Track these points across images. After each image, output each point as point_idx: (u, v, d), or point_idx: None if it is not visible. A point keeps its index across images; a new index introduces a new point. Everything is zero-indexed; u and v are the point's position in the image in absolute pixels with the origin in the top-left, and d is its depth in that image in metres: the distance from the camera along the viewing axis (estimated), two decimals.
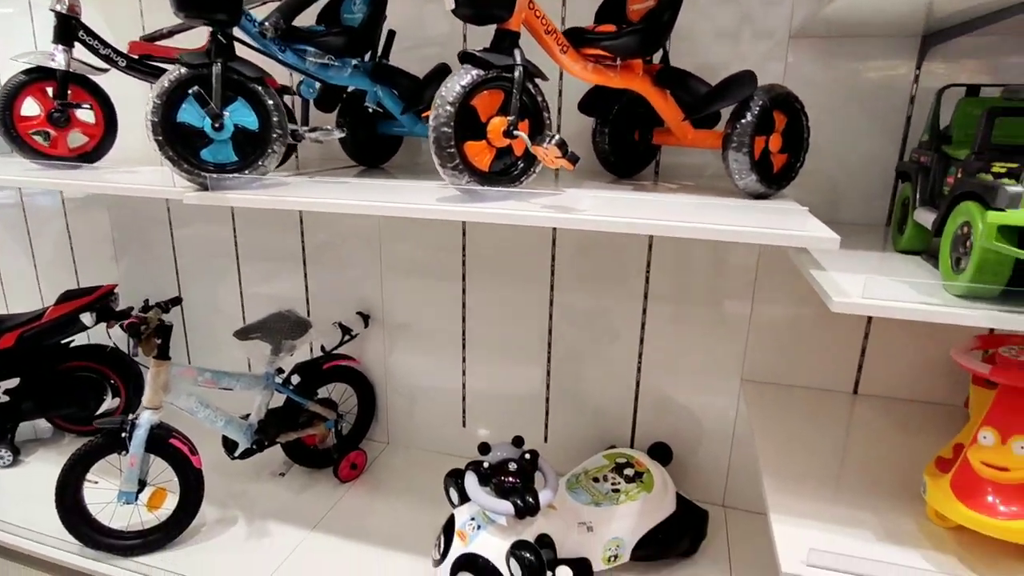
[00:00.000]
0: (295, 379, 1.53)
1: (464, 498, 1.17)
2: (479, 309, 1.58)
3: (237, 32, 1.02)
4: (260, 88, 1.02)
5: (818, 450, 1.11)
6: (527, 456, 1.14)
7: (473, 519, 1.14)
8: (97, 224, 1.92)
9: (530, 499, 1.07)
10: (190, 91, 0.95)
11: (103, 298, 1.64)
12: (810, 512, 0.93)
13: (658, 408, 1.49)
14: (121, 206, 1.88)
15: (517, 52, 0.91)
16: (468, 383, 1.64)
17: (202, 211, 1.77)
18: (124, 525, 1.32)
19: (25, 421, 1.68)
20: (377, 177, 1.29)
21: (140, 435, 1.26)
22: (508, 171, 0.97)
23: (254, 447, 1.44)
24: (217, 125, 0.97)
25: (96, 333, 1.69)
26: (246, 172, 1.03)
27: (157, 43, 1.31)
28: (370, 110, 1.28)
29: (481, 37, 0.94)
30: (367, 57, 1.21)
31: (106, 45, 1.28)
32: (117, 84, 1.32)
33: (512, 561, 1.04)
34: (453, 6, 0.88)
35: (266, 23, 1.03)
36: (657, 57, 1.14)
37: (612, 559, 1.20)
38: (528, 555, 1.03)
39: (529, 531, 1.10)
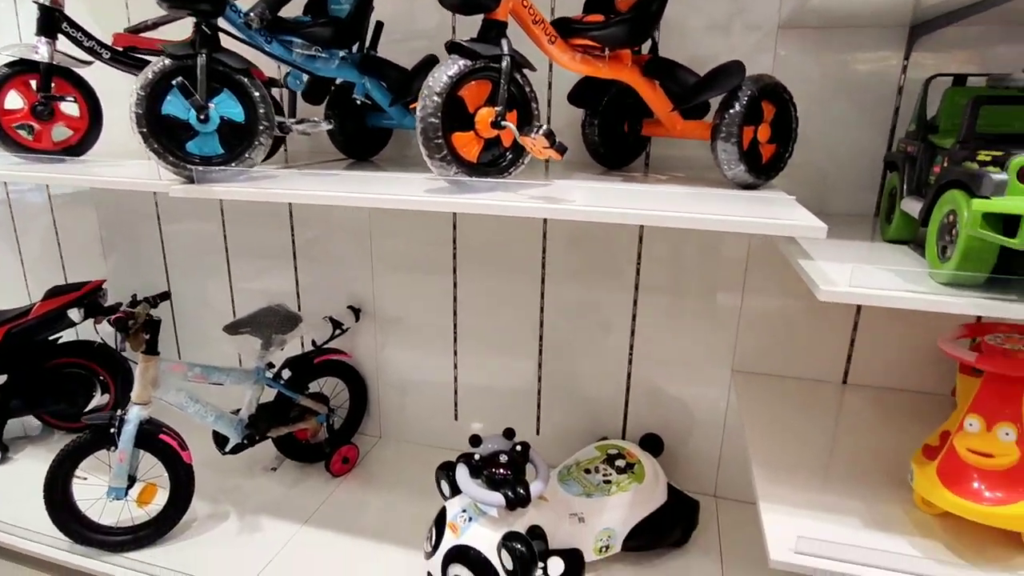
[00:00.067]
0: (286, 374, 1.52)
1: (455, 490, 1.17)
2: (470, 302, 1.57)
3: (222, 23, 1.01)
4: (246, 80, 1.01)
5: (808, 440, 1.12)
6: (518, 448, 1.14)
7: (464, 511, 1.14)
8: (85, 220, 1.90)
9: (521, 490, 1.08)
10: (174, 82, 0.94)
11: (91, 294, 1.63)
12: (799, 501, 0.94)
13: (649, 399, 1.49)
14: (109, 202, 1.86)
15: (504, 42, 0.91)
16: (460, 376, 1.64)
17: (191, 206, 1.76)
18: (114, 521, 1.31)
19: (13, 418, 1.66)
20: (366, 170, 1.28)
21: (129, 431, 1.26)
22: (496, 162, 0.96)
23: (245, 442, 1.44)
24: (202, 117, 0.97)
25: (85, 329, 1.68)
26: (232, 165, 1.02)
27: (142, 35, 1.29)
28: (358, 102, 1.27)
29: (470, 30, 0.94)
30: (355, 48, 1.20)
31: (90, 37, 1.26)
32: (102, 77, 1.31)
33: (503, 552, 1.05)
34: None
35: (251, 14, 1.02)
36: (646, 47, 1.13)
37: (604, 550, 1.21)
38: (519, 546, 1.03)
39: (520, 522, 1.10)
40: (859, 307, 1.29)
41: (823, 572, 0.81)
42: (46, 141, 1.29)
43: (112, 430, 1.26)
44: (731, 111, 0.97)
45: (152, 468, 1.32)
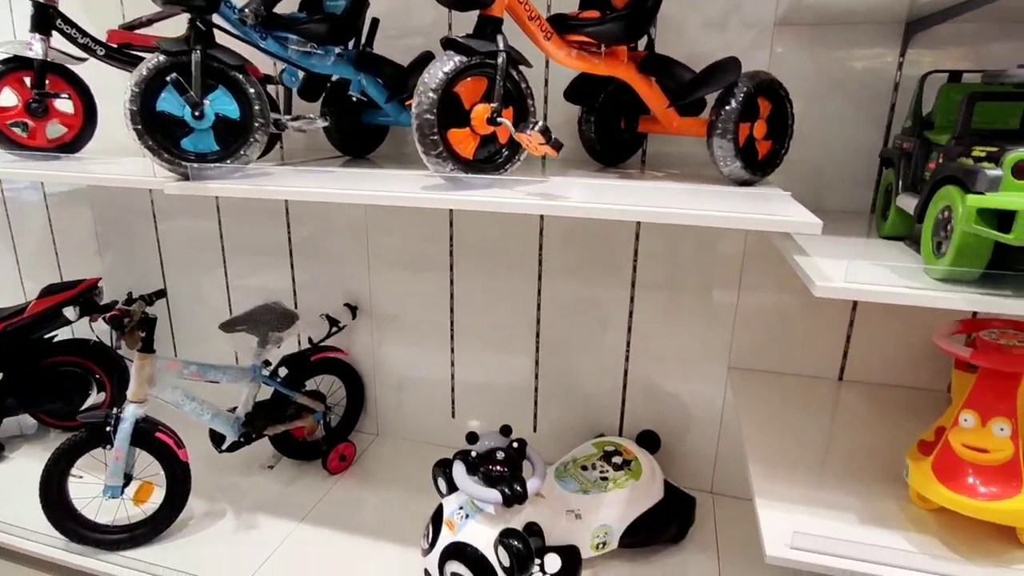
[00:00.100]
0: (282, 371, 1.52)
1: (452, 487, 1.17)
2: (467, 300, 1.57)
3: (217, 19, 1.00)
4: (241, 76, 1.00)
5: (804, 436, 1.12)
6: (515, 445, 1.14)
7: (461, 508, 1.14)
8: (80, 218, 1.89)
9: (518, 487, 1.08)
10: (168, 78, 0.94)
11: (86, 292, 1.62)
12: (795, 497, 0.94)
13: (646, 396, 1.49)
14: (104, 200, 1.86)
15: (500, 38, 0.90)
16: (457, 374, 1.64)
17: (187, 204, 1.76)
18: (111, 520, 1.31)
19: (9, 417, 1.66)
20: (362, 167, 1.28)
21: (125, 429, 1.25)
22: (493, 159, 0.96)
23: (241, 440, 1.43)
24: (197, 113, 0.96)
25: (81, 328, 1.68)
26: (228, 162, 1.02)
27: (136, 32, 1.29)
28: (354, 99, 1.26)
29: (467, 27, 0.93)
30: (350, 45, 1.20)
31: (84, 34, 1.26)
32: (97, 74, 1.30)
33: (500, 549, 1.05)
34: None
35: (246, 10, 1.02)
36: (642, 44, 1.13)
37: (600, 546, 1.21)
38: (516, 543, 1.03)
39: (517, 519, 1.10)
40: (855, 303, 1.30)
41: (818, 567, 0.81)
42: (41, 138, 1.28)
43: (108, 428, 1.25)
44: (727, 107, 0.97)
45: (148, 466, 1.31)
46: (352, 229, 1.61)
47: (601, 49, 1.03)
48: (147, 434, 1.29)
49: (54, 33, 1.24)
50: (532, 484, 1.10)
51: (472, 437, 1.18)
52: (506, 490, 1.07)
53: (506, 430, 1.19)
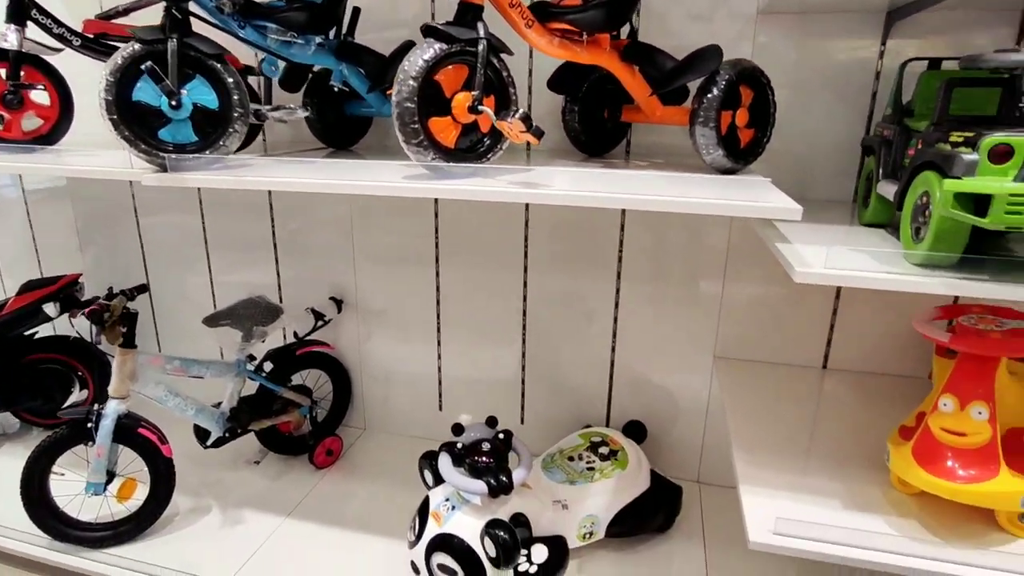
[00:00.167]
0: (268, 366, 1.51)
1: (439, 480, 1.17)
2: (453, 293, 1.57)
3: (193, 7, 0.99)
4: (219, 65, 0.99)
5: (788, 424, 1.13)
6: (500, 436, 1.14)
7: (448, 500, 1.13)
8: (61, 214, 1.86)
9: (503, 478, 1.07)
10: (143, 67, 0.92)
11: (67, 287, 1.60)
12: (779, 484, 0.95)
13: (633, 387, 1.50)
14: (85, 195, 1.83)
15: (480, 26, 0.90)
16: (444, 367, 1.64)
17: (169, 199, 1.74)
18: (94, 517, 1.30)
19: None
20: (345, 158, 1.27)
21: (107, 425, 1.24)
22: (474, 148, 0.96)
23: (226, 435, 1.42)
24: (174, 103, 0.95)
25: (63, 325, 1.65)
26: (207, 153, 1.01)
27: (113, 21, 1.27)
28: (336, 89, 1.25)
29: (450, 16, 0.93)
30: (331, 34, 1.18)
31: (60, 24, 1.23)
32: (74, 65, 1.28)
33: (486, 540, 1.04)
34: None
35: None
36: (625, 32, 1.13)
37: (587, 536, 1.21)
38: (502, 533, 1.03)
39: (503, 510, 1.10)
40: (838, 293, 1.30)
41: (801, 552, 0.82)
42: (16, 131, 1.26)
43: (89, 425, 1.24)
44: (709, 95, 0.97)
45: (132, 462, 1.30)
46: (337, 223, 1.59)
47: (583, 37, 1.02)
48: (130, 430, 1.27)
49: (29, 23, 1.22)
50: (518, 475, 1.10)
51: (458, 429, 1.17)
52: (492, 481, 1.07)
53: (492, 421, 1.18)
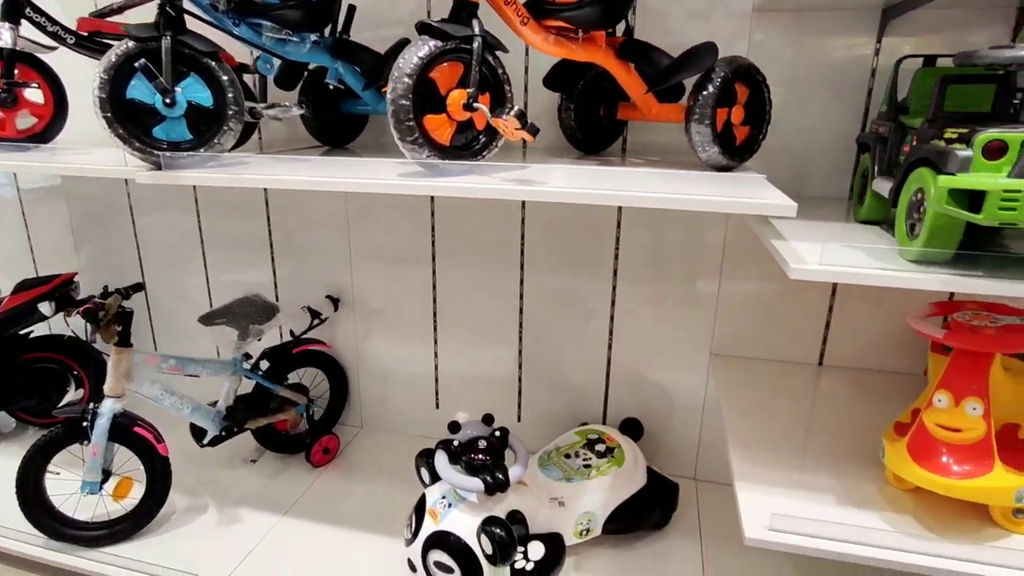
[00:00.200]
0: (264, 364, 1.51)
1: (435, 477, 1.17)
2: (450, 291, 1.57)
3: (188, 5, 0.99)
4: (214, 63, 0.99)
5: (784, 421, 1.13)
6: (497, 433, 1.14)
7: (444, 497, 1.13)
8: (56, 213, 1.86)
9: (499, 475, 1.07)
10: (137, 64, 0.92)
11: (62, 287, 1.60)
12: (775, 480, 0.95)
13: (630, 385, 1.50)
14: (80, 194, 1.82)
15: (476, 23, 0.90)
16: (441, 365, 1.64)
17: (165, 198, 1.73)
18: (90, 516, 1.30)
19: None
20: (341, 156, 1.26)
21: (102, 424, 1.24)
22: (470, 145, 0.96)
23: (223, 434, 1.42)
24: (168, 101, 0.94)
25: (59, 324, 1.65)
26: (201, 150, 1.00)
27: (107, 19, 1.26)
28: (331, 87, 1.25)
29: (446, 14, 0.92)
30: (327, 32, 1.18)
31: (54, 22, 1.23)
32: (69, 64, 1.27)
33: (483, 537, 1.04)
34: None
35: None
36: (620, 29, 1.13)
37: (584, 533, 1.21)
38: (498, 531, 1.03)
39: (500, 507, 1.10)
40: (834, 290, 1.31)
41: (797, 548, 0.82)
42: (10, 129, 1.25)
43: (85, 424, 1.24)
44: (704, 93, 0.97)
45: (128, 461, 1.30)
46: (333, 221, 1.59)
47: (579, 35, 1.02)
48: (125, 429, 1.27)
49: (23, 21, 1.21)
50: (514, 472, 1.10)
51: (454, 426, 1.17)
52: (488, 478, 1.07)
53: (488, 419, 1.18)
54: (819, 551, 0.81)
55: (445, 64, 0.89)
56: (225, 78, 0.99)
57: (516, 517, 1.10)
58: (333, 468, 1.57)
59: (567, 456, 1.31)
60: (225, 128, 1.01)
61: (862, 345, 1.31)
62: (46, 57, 1.28)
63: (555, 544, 1.13)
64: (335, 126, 1.38)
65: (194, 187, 1.67)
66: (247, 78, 1.33)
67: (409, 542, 1.14)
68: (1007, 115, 0.74)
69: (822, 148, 1.23)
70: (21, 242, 1.93)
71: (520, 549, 1.09)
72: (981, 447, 0.81)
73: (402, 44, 1.19)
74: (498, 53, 0.94)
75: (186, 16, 0.98)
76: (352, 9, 1.25)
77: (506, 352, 1.56)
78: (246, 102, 1.04)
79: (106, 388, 1.26)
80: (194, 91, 0.98)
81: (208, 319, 1.41)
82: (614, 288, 1.44)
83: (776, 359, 1.37)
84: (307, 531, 1.34)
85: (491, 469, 1.09)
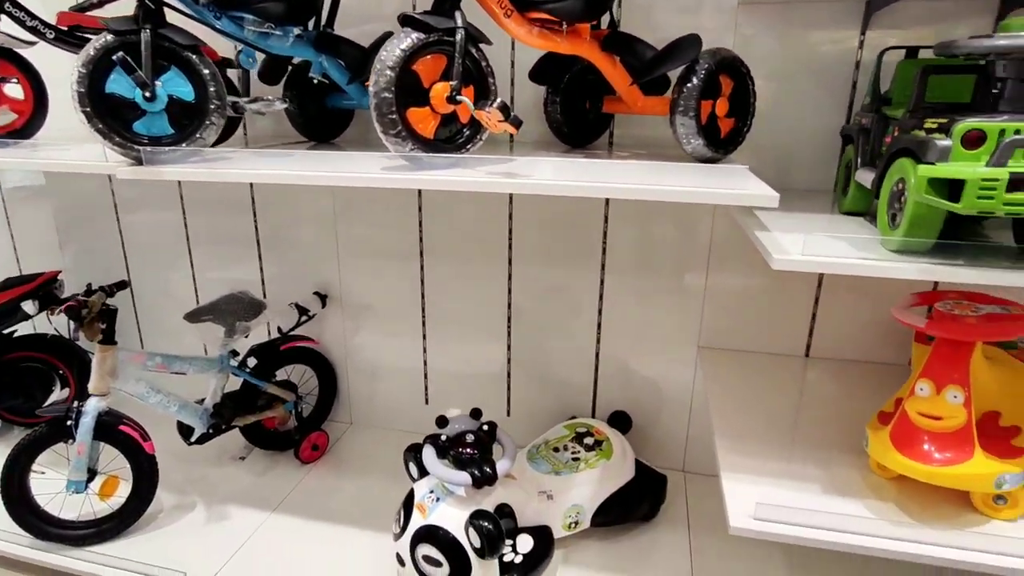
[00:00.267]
0: (252, 361, 1.50)
1: (423, 472, 1.16)
2: (438, 287, 1.56)
3: None
4: (194, 57, 0.97)
5: (770, 412, 1.13)
6: (485, 427, 1.14)
7: (432, 492, 1.13)
8: (40, 212, 1.84)
9: (487, 469, 1.07)
10: (115, 57, 0.91)
11: (46, 285, 1.58)
12: (761, 470, 0.96)
13: (618, 378, 1.50)
14: (64, 193, 1.80)
15: (459, 15, 0.89)
16: (429, 361, 1.63)
17: (149, 195, 1.71)
18: (76, 515, 1.29)
19: None
20: (326, 151, 1.26)
21: (87, 422, 1.22)
22: (454, 138, 0.95)
23: (210, 431, 1.41)
24: (148, 95, 0.93)
25: (44, 324, 1.63)
26: (183, 145, 0.99)
27: (87, 13, 1.24)
28: (316, 81, 1.24)
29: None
30: (310, 25, 1.17)
31: (33, 17, 1.21)
32: (49, 58, 1.26)
33: (471, 530, 1.04)
34: None
35: None
36: (605, 22, 1.13)
37: (572, 525, 1.22)
38: (486, 524, 1.03)
39: (488, 501, 1.10)
40: (820, 282, 1.31)
41: (781, 536, 0.83)
42: None
43: (69, 422, 1.23)
44: (689, 85, 0.97)
45: (114, 460, 1.29)
46: (320, 217, 1.58)
47: (563, 27, 1.02)
48: (111, 427, 1.26)
49: (1, 16, 1.19)
50: (502, 466, 1.10)
51: (442, 421, 1.17)
52: (476, 472, 1.07)
53: (476, 413, 1.18)
54: (803, 539, 0.82)
55: (428, 56, 0.89)
56: (206, 72, 0.98)
57: (504, 510, 1.10)
58: (322, 464, 1.57)
59: (556, 449, 1.31)
60: (207, 123, 1.00)
61: (848, 337, 1.32)
62: (25, 52, 1.26)
63: (543, 537, 1.14)
64: (321, 121, 1.37)
65: (179, 183, 1.66)
66: (230, 73, 1.31)
67: (397, 536, 1.14)
68: (987, 105, 0.75)
69: (807, 140, 1.24)
70: (4, 241, 1.91)
71: (508, 542, 1.09)
72: (962, 435, 0.82)
73: (386, 37, 1.18)
74: (482, 46, 0.94)
75: (166, 10, 0.97)
76: (336, 2, 1.23)
77: (495, 347, 1.56)
78: (228, 96, 1.03)
79: (91, 386, 1.25)
80: (175, 85, 0.97)
81: (195, 316, 1.40)
82: (602, 282, 1.44)
83: (763, 351, 1.38)
84: (296, 528, 1.34)
85: (479, 463, 1.09)
